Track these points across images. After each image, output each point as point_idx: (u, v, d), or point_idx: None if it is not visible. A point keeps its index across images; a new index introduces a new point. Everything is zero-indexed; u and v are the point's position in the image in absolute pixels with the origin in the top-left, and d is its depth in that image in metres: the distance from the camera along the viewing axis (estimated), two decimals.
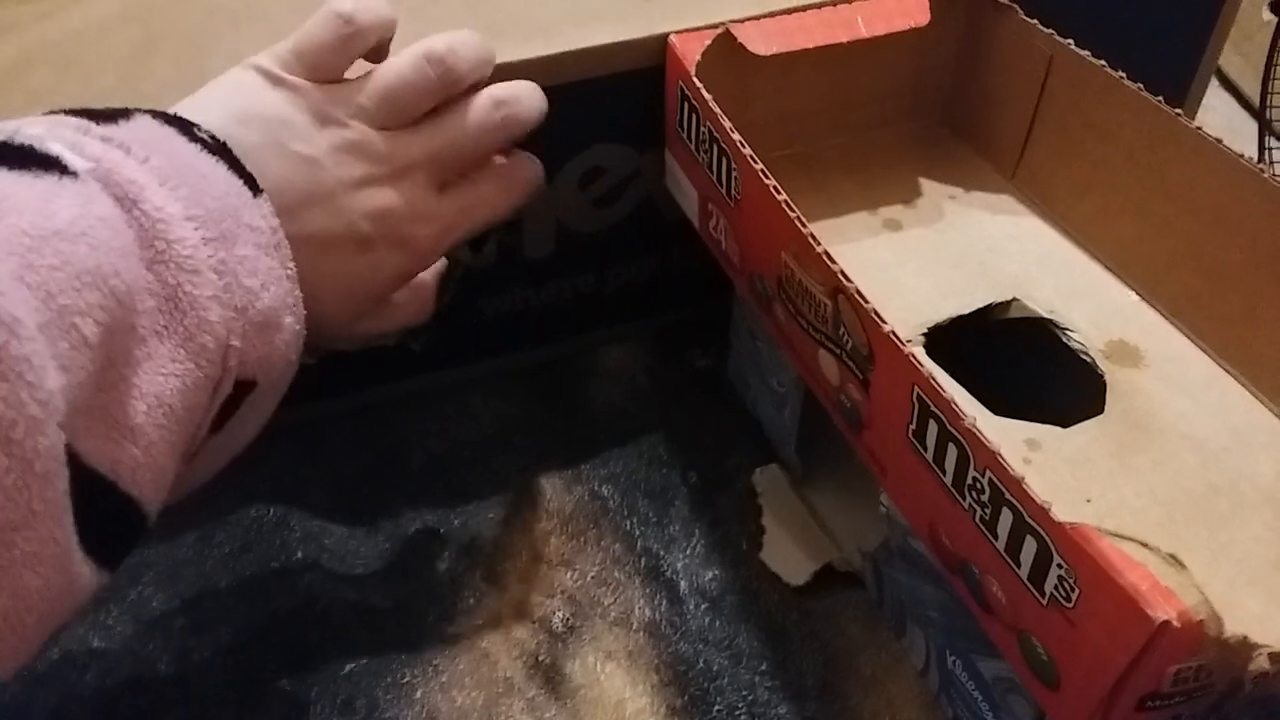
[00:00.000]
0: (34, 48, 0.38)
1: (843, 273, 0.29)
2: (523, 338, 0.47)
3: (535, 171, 0.36)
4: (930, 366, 0.29)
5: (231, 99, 0.30)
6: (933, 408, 0.27)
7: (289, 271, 0.28)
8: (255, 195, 0.27)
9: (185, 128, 0.27)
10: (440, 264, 0.36)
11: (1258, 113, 0.59)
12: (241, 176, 0.27)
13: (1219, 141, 0.34)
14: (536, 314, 0.46)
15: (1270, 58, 0.57)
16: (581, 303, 0.46)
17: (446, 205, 0.33)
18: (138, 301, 0.23)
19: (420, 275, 0.34)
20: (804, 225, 0.31)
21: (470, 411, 0.46)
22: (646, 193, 0.44)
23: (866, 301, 0.29)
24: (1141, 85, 0.35)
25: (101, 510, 0.23)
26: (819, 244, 0.30)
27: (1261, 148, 0.58)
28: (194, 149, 0.27)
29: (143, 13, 0.40)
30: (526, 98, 0.34)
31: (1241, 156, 0.33)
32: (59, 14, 0.40)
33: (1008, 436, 0.33)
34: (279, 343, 0.27)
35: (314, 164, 0.30)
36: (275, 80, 0.30)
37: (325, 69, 0.31)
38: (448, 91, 0.32)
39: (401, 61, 0.32)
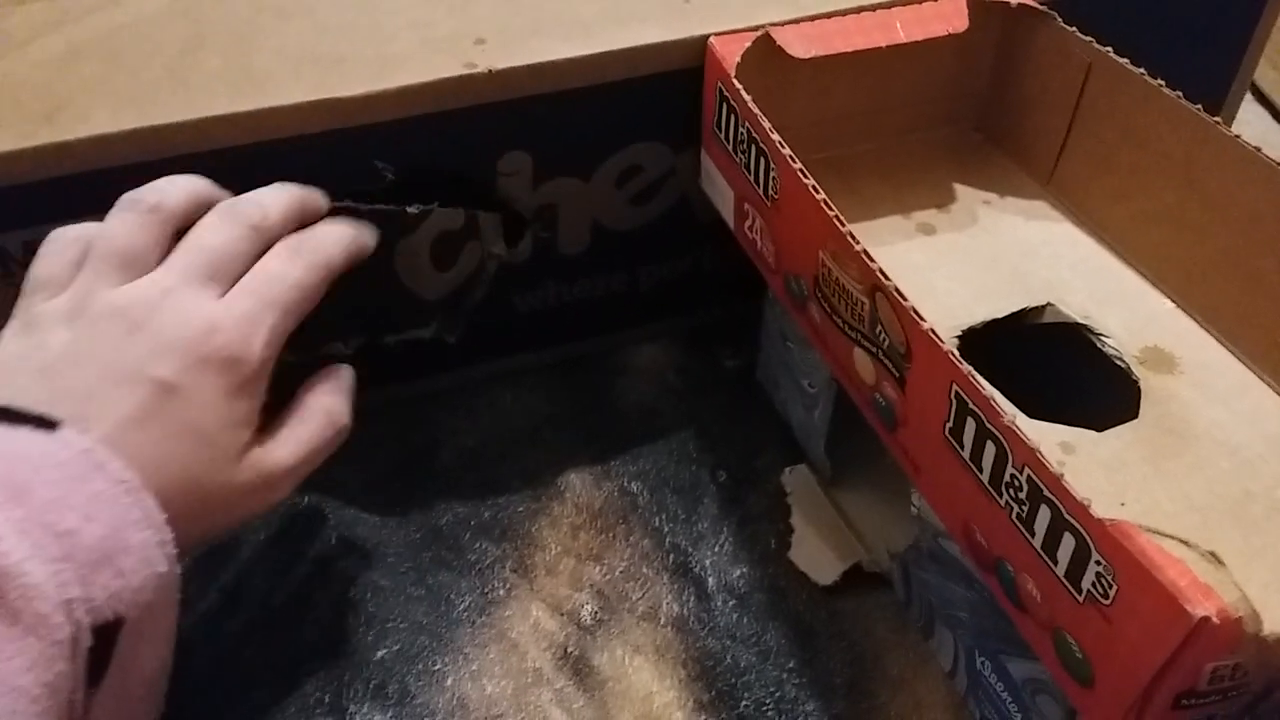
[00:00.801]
0: (83, 40, 0.39)
1: (881, 271, 0.30)
2: (554, 334, 0.47)
3: (339, 236, 0.33)
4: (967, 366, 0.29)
5: None
6: (971, 405, 0.27)
7: (123, 484, 0.25)
8: (52, 430, 0.25)
9: None
10: (340, 371, 0.34)
11: None
12: (26, 423, 0.25)
13: (1259, 150, 0.34)
14: (569, 310, 0.46)
15: None
16: (614, 300, 0.47)
17: (233, 298, 0.30)
18: None
19: (312, 385, 0.33)
20: (842, 224, 0.31)
21: (501, 406, 0.46)
22: (681, 192, 0.44)
23: (905, 299, 0.29)
24: (1181, 93, 0.36)
25: None
26: (858, 242, 0.31)
27: None
28: None
29: (190, 7, 0.40)
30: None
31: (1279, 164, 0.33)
32: (108, 7, 0.41)
33: (1042, 439, 0.32)
34: (131, 566, 0.25)
35: (73, 328, 0.28)
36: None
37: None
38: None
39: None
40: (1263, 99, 0.65)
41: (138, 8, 0.40)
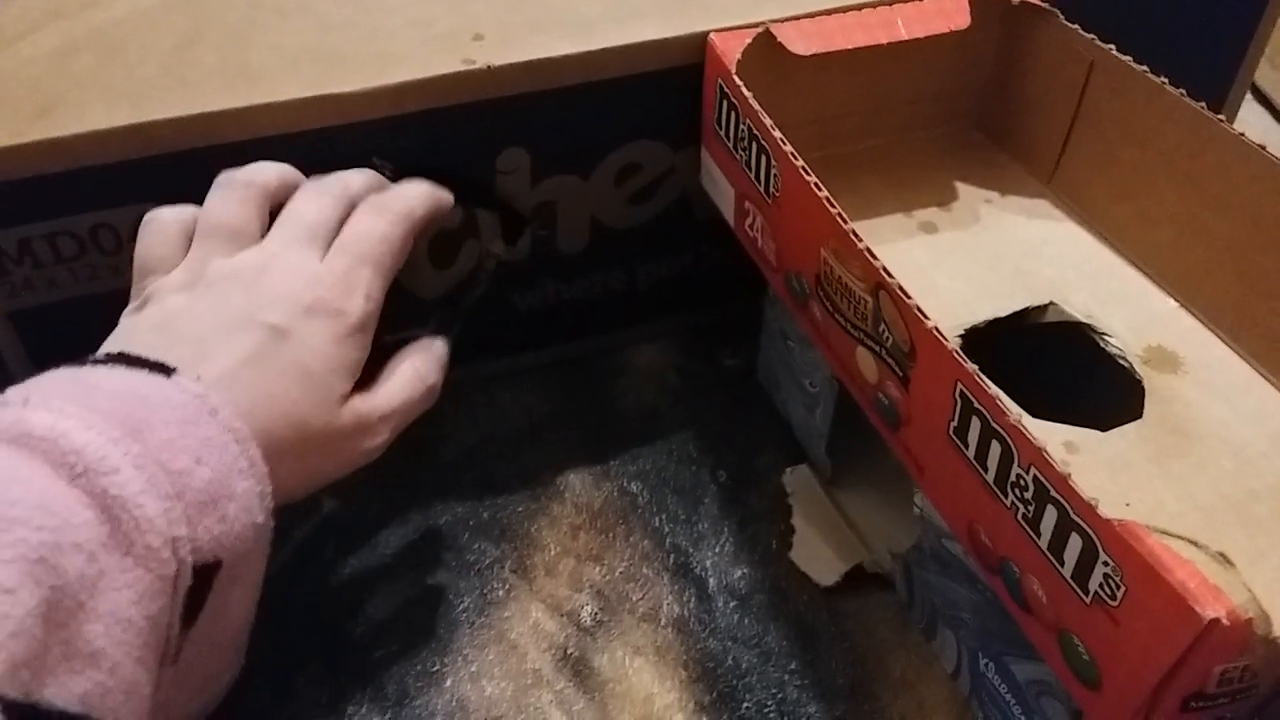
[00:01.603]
0: (80, 35, 0.38)
1: (884, 269, 0.29)
2: (553, 333, 0.47)
3: (419, 191, 0.35)
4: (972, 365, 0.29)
5: None
6: (976, 404, 0.27)
7: (231, 432, 0.27)
8: (169, 375, 0.27)
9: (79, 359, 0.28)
10: (433, 342, 0.36)
11: None
12: (144, 367, 0.27)
13: (1262, 148, 0.33)
14: (568, 309, 0.46)
15: None
16: (613, 299, 0.46)
17: (331, 258, 0.32)
18: (73, 517, 0.23)
19: (406, 352, 0.34)
20: (845, 221, 0.31)
21: (500, 405, 0.46)
22: (681, 190, 0.44)
23: (909, 298, 0.29)
24: (1184, 91, 0.35)
25: None
26: (860, 240, 0.30)
27: None
28: (74, 372, 0.27)
29: (187, 2, 0.40)
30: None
31: None
32: (103, 3, 0.40)
33: (1047, 439, 0.32)
34: (233, 513, 0.26)
35: (191, 294, 0.30)
36: None
37: None
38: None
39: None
40: (1263, 99, 0.65)
41: (133, 3, 0.40)
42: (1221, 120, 0.34)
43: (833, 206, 0.31)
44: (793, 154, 0.33)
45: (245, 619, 0.29)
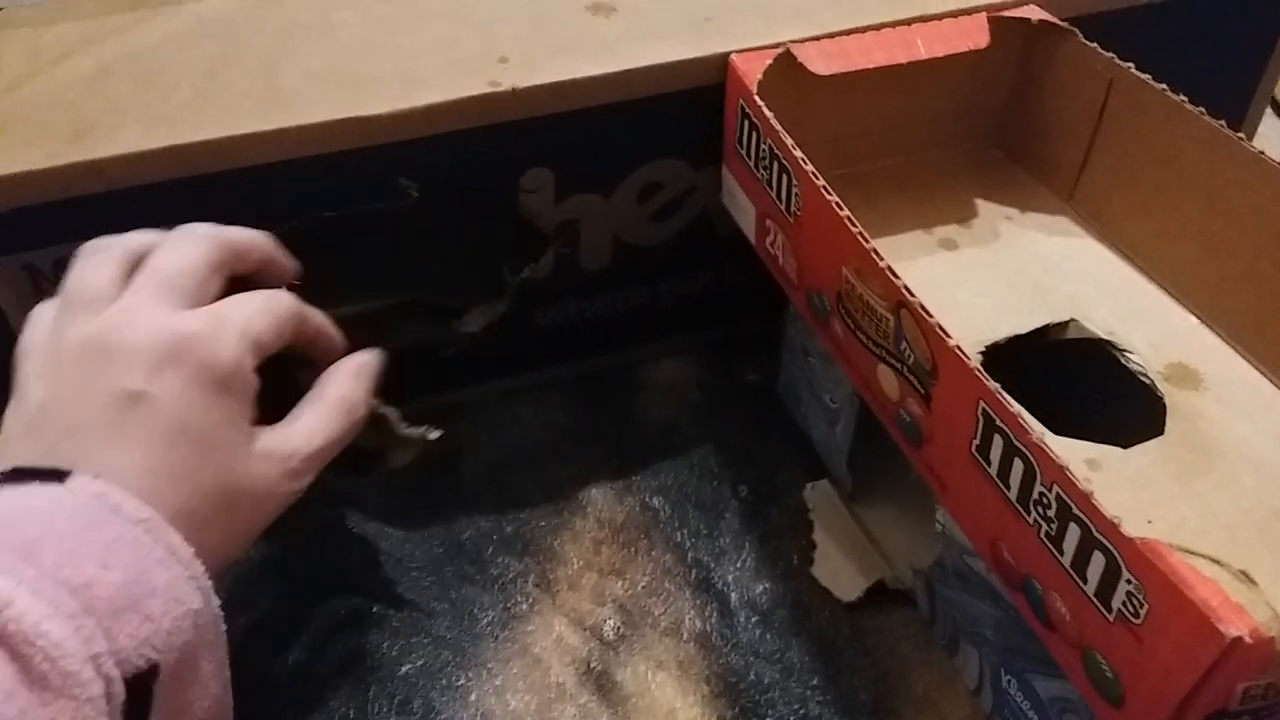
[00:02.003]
0: (114, 60, 0.39)
1: (906, 287, 0.30)
2: (575, 348, 0.47)
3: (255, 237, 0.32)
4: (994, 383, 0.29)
5: None
6: (998, 422, 0.27)
7: (141, 525, 0.25)
8: (63, 479, 0.25)
9: None
10: (362, 359, 0.33)
11: None
12: (35, 478, 0.25)
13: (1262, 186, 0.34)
14: (589, 325, 0.46)
15: None
16: (634, 315, 0.47)
17: (195, 311, 0.29)
18: None
19: (332, 372, 0.32)
20: (866, 240, 0.31)
21: (522, 420, 0.46)
22: (702, 208, 0.44)
23: (931, 316, 0.29)
24: (1203, 110, 0.36)
25: None
26: (882, 259, 0.31)
27: None
28: None
29: (219, 28, 0.41)
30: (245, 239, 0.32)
31: None
32: (138, 27, 0.41)
33: (1068, 456, 0.33)
34: (159, 609, 0.24)
35: (53, 377, 0.28)
36: None
37: None
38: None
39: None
40: None
41: (166, 28, 0.41)
42: (1241, 138, 0.35)
43: (854, 226, 0.32)
44: (814, 174, 0.34)
45: (214, 709, 0.26)
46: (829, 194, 0.33)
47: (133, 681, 0.23)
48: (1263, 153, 0.34)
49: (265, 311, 0.30)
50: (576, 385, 0.48)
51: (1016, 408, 0.27)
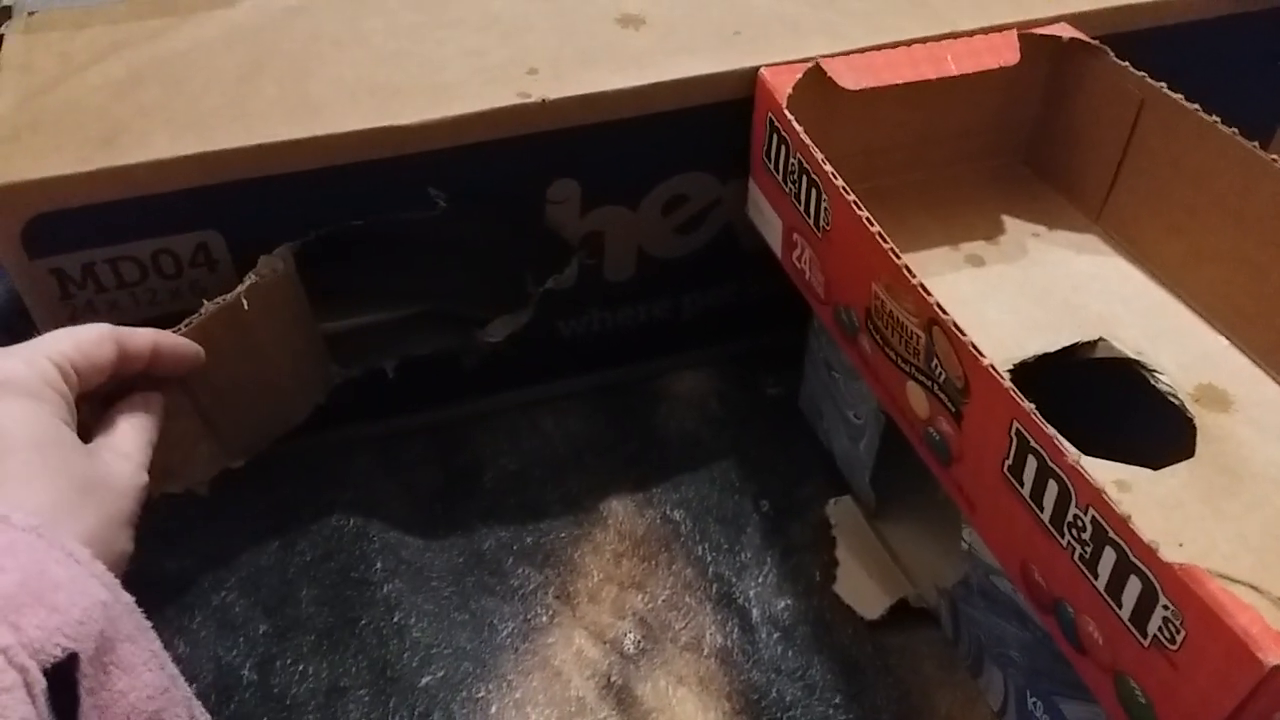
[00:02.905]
0: (144, 66, 0.39)
1: (939, 305, 0.30)
2: (597, 359, 0.47)
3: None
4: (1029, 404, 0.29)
5: None
6: (1033, 443, 0.27)
7: (31, 530, 0.25)
8: None
9: None
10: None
11: None
12: None
13: None
14: (612, 337, 0.46)
15: None
16: (657, 327, 0.47)
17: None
18: None
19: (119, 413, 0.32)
20: (897, 257, 0.31)
21: (543, 431, 0.46)
22: (726, 221, 0.44)
23: (964, 334, 0.29)
24: (1236, 130, 0.35)
25: None
26: (914, 276, 0.30)
27: None
28: None
29: (248, 35, 0.41)
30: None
31: None
32: (168, 34, 0.41)
33: (1098, 477, 0.33)
34: (65, 601, 0.25)
35: None
36: None
37: None
38: None
39: None
40: None
41: (197, 35, 0.41)
42: (1275, 160, 0.34)
43: (885, 242, 0.32)
44: (844, 189, 0.33)
45: (153, 696, 0.27)
46: (860, 209, 0.33)
47: (52, 672, 0.24)
48: None
49: (68, 336, 0.31)
50: (598, 396, 0.47)
51: (1051, 430, 0.27)
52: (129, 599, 0.27)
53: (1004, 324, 0.37)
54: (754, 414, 0.47)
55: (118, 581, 0.27)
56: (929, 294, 0.30)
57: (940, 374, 0.31)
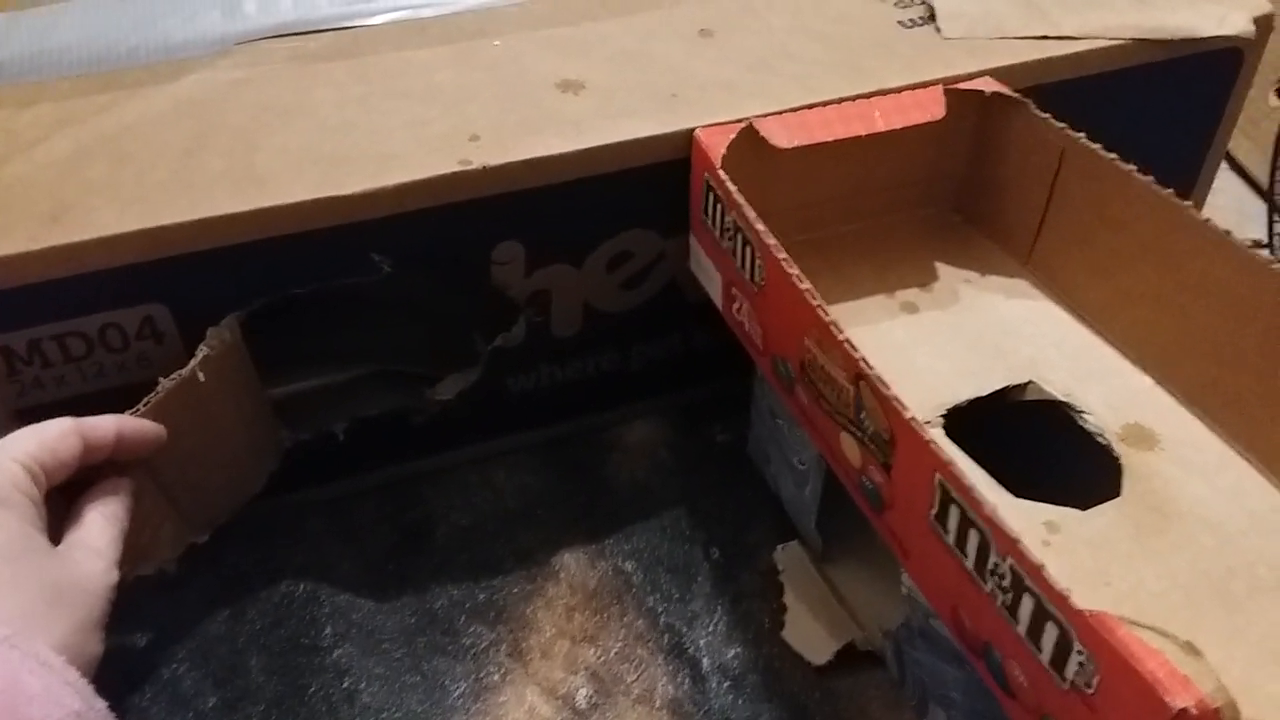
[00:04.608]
0: (91, 141, 0.40)
1: (864, 360, 0.31)
2: (547, 413, 0.48)
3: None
4: (951, 451, 0.30)
5: None
6: (954, 494, 0.28)
7: (3, 639, 0.26)
8: None
9: None
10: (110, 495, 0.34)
11: (1266, 195, 0.60)
12: None
13: (1228, 234, 0.35)
14: (561, 390, 0.47)
15: (1278, 143, 0.59)
16: (606, 379, 0.47)
17: None
18: None
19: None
20: (825, 313, 0.32)
21: (494, 485, 0.47)
22: (671, 275, 0.45)
23: (888, 388, 0.30)
24: (1153, 178, 0.37)
25: None
26: (841, 332, 0.32)
27: (1270, 229, 0.60)
28: None
29: (195, 108, 0.42)
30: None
31: (1251, 246, 0.34)
32: (115, 108, 0.42)
33: (1027, 518, 0.34)
34: (39, 712, 0.25)
35: None
36: None
37: None
38: None
39: None
40: (1237, 168, 0.67)
41: (143, 109, 0.42)
42: (1189, 207, 0.36)
43: (814, 299, 0.33)
44: (775, 246, 0.35)
45: None
46: (790, 267, 0.34)
47: None
48: (1209, 220, 0.35)
49: (32, 436, 0.32)
50: (549, 449, 0.48)
51: (971, 480, 0.27)
52: (102, 705, 0.27)
53: (937, 370, 0.39)
54: (703, 461, 0.48)
55: (90, 687, 0.27)
56: (855, 350, 0.31)
57: (869, 426, 0.32)
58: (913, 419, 0.29)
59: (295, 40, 0.46)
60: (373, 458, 0.46)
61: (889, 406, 0.30)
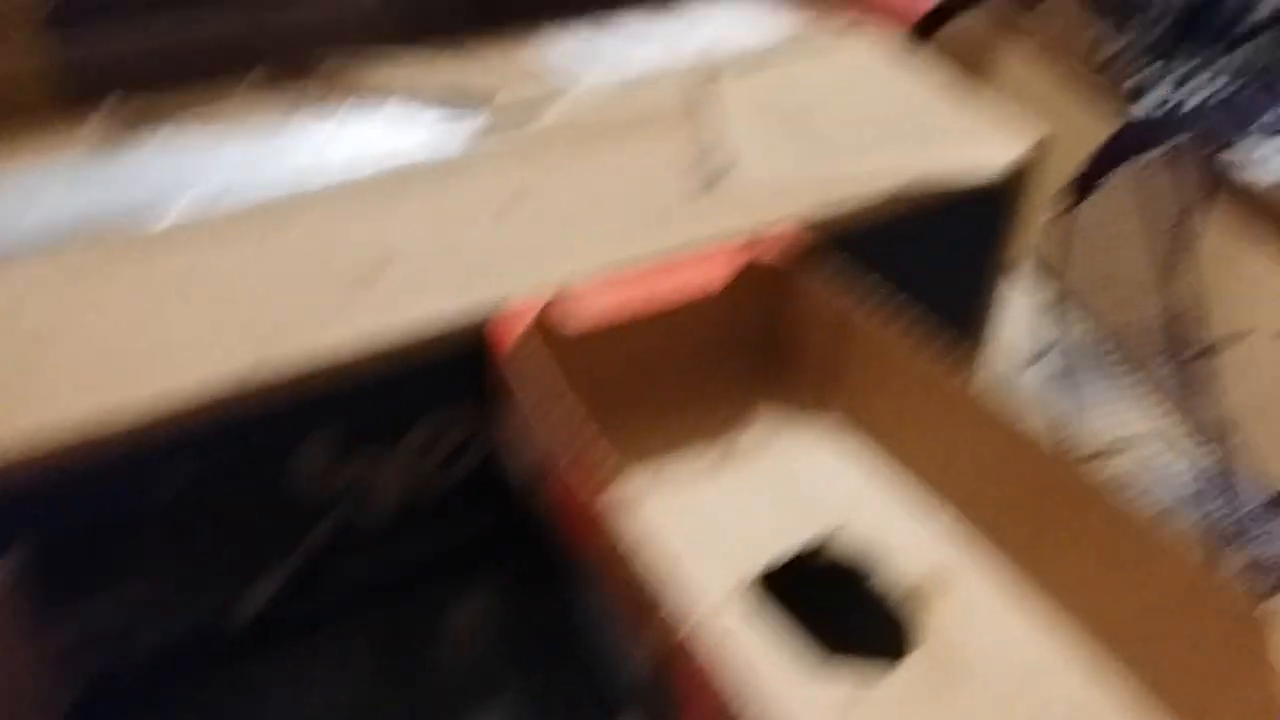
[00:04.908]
0: None
1: None
2: (366, 605, 0.46)
3: None
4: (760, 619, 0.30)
5: None
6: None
7: None
8: None
9: None
10: None
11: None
12: None
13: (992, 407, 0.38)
14: (380, 580, 0.46)
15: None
16: (426, 563, 0.47)
17: None
18: None
19: None
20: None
21: (319, 685, 0.45)
22: (488, 450, 0.45)
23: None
24: (927, 335, 0.40)
25: None
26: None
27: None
28: None
29: None
30: None
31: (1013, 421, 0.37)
32: None
33: (831, 685, 0.34)
34: None
35: None
36: None
37: None
38: None
39: None
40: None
41: None
42: (959, 377, 0.39)
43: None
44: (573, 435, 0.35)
45: None
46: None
47: None
48: (975, 394, 0.39)
49: None
50: (371, 640, 0.46)
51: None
52: None
53: (752, 530, 0.40)
54: (536, 639, 0.47)
55: None
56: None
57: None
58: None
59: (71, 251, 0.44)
60: (182, 675, 0.43)
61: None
